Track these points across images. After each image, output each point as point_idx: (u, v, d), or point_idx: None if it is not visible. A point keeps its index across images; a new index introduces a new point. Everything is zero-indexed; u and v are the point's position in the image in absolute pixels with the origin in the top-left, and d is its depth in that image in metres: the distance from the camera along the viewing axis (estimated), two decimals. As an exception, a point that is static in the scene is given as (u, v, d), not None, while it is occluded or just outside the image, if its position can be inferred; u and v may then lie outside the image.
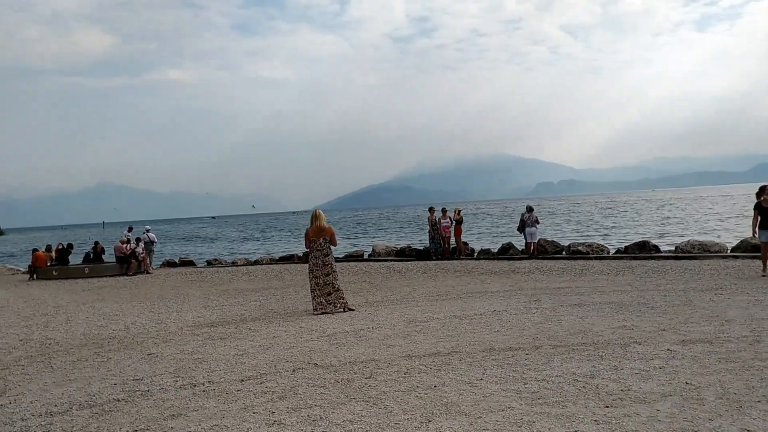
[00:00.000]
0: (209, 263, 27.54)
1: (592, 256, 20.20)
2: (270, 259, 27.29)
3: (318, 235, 10.96)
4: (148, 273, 23.67)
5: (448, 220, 23.69)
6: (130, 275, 22.98)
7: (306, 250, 11.31)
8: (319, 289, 10.96)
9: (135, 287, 18.40)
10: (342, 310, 10.92)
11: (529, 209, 22.62)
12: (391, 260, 23.52)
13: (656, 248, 19.96)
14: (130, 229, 25.90)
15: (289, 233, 72.34)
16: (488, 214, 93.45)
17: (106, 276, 22.98)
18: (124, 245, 23.63)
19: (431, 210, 24.22)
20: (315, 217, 11.05)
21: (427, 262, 22.00)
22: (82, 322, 11.47)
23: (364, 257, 25.51)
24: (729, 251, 18.49)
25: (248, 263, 26.86)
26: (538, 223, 22.51)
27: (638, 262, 17.68)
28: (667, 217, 51.21)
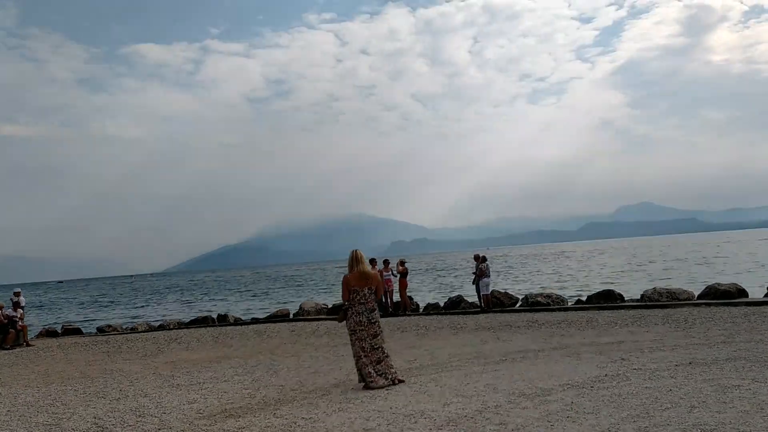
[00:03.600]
0: (101, 330, 23.01)
1: (553, 307, 18.97)
2: (178, 322, 23.38)
3: (362, 284, 8.39)
4: (28, 345, 19.02)
5: (390, 272, 21.61)
6: (7, 348, 18.26)
7: (343, 302, 8.64)
8: (366, 356, 8.31)
9: (30, 364, 14.21)
10: (393, 382, 8.36)
11: (482, 258, 21.10)
12: (323, 319, 20.80)
13: (621, 297, 19.17)
14: (17, 294, 20.87)
15: (151, 296, 66.08)
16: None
17: (-24, 350, 18.05)
18: (2, 310, 18.89)
19: (373, 262, 21.97)
20: (356, 259, 8.46)
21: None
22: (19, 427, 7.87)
23: (290, 317, 22.55)
24: (696, 298, 18.03)
25: (151, 328, 22.78)
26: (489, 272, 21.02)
27: (611, 312, 16.55)
28: (556, 272, 52.47)
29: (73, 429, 7.20)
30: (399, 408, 6.92)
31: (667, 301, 17.74)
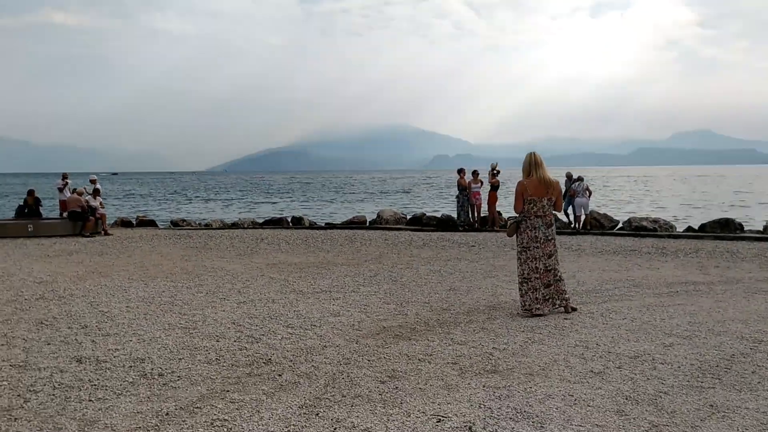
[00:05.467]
0: (175, 224, 22.46)
1: (661, 233, 17.42)
2: (252, 222, 22.67)
3: (541, 193, 7.00)
4: (106, 234, 18.52)
5: (479, 183, 20.22)
6: (87, 236, 17.78)
7: (515, 215, 7.31)
8: (537, 278, 7.06)
9: (120, 254, 13.53)
10: (564, 309, 7.15)
11: (578, 178, 19.50)
12: (406, 230, 19.66)
13: (741, 227, 17.49)
14: (93, 181, 20.30)
15: (221, 195, 66.60)
16: (422, 185, 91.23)
17: (54, 236, 17.62)
18: (81, 197, 18.31)
19: (461, 172, 20.55)
20: (535, 164, 7.05)
21: (455, 233, 18.36)
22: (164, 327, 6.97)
23: (367, 224, 21.53)
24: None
25: (225, 226, 22.13)
26: (590, 193, 19.44)
27: (732, 243, 14.91)
28: (653, 197, 50.26)
29: (217, 335, 6.22)
30: (607, 345, 5.72)
31: (796, 235, 16.04)
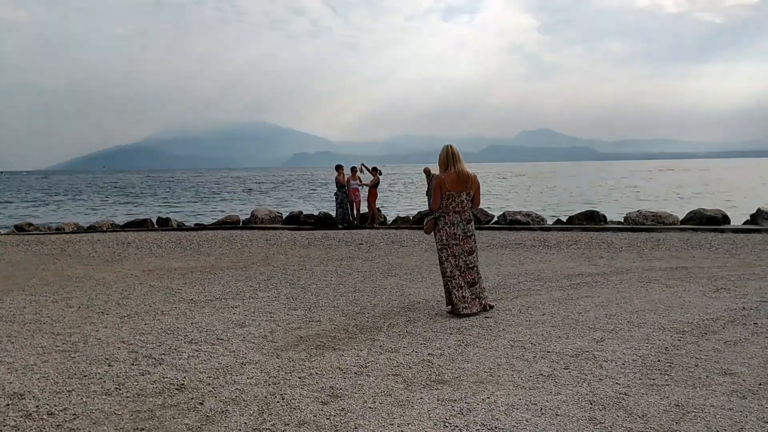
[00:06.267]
0: (20, 229, 19.89)
1: (534, 226, 18.13)
2: (112, 224, 20.68)
3: (460, 188, 6.69)
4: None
5: (357, 181, 19.93)
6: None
7: (433, 209, 6.89)
8: (461, 276, 6.76)
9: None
10: (484, 308, 6.91)
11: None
12: (284, 229, 18.92)
13: (604, 218, 18.60)
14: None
15: (68, 195, 61.03)
16: (283, 182, 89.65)
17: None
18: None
19: (339, 168, 20.09)
20: (452, 156, 6.69)
21: (337, 231, 17.94)
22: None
23: (240, 225, 20.48)
24: (679, 223, 17.72)
25: (81, 229, 20.01)
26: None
27: (598, 234, 15.83)
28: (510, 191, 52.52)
29: (107, 358, 5.26)
30: (540, 343, 5.52)
31: (653, 224, 17.31)
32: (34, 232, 19.32)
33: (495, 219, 19.47)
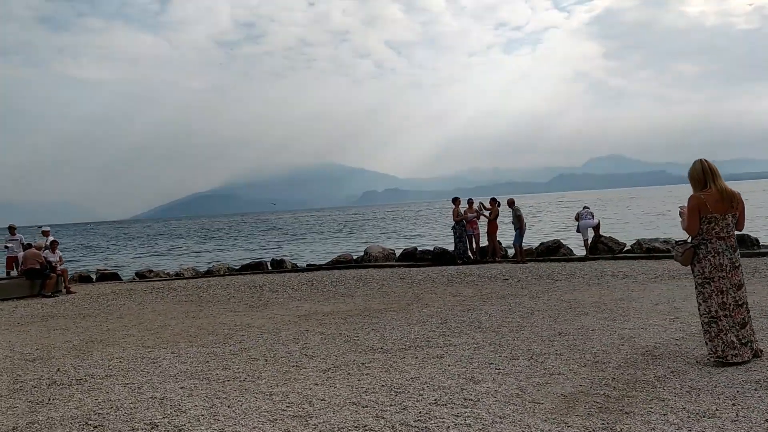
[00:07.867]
0: (141, 276, 20.03)
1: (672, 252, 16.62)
2: (229, 268, 20.55)
3: (724, 209, 5.63)
4: (69, 292, 16.09)
5: (475, 213, 19.08)
6: (48, 296, 15.33)
7: (691, 234, 5.80)
8: (729, 316, 5.66)
9: (108, 316, 11.37)
10: (756, 354, 5.72)
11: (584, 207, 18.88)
12: (402, 266, 18.17)
13: (757, 242, 16.90)
14: (45, 233, 17.76)
15: (159, 241, 63.03)
16: (362, 220, 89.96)
17: (9, 299, 15.04)
18: (42, 251, 15.86)
19: (456, 201, 19.28)
20: (710, 171, 5.67)
21: (459, 266, 17.04)
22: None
23: (354, 263, 19.89)
24: None
25: (199, 274, 19.96)
26: (593, 216, 18.61)
27: (755, 259, 14.19)
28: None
29: (350, 427, 4.50)
30: None
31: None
32: (155, 279, 19.35)
33: (628, 247, 18.10)
